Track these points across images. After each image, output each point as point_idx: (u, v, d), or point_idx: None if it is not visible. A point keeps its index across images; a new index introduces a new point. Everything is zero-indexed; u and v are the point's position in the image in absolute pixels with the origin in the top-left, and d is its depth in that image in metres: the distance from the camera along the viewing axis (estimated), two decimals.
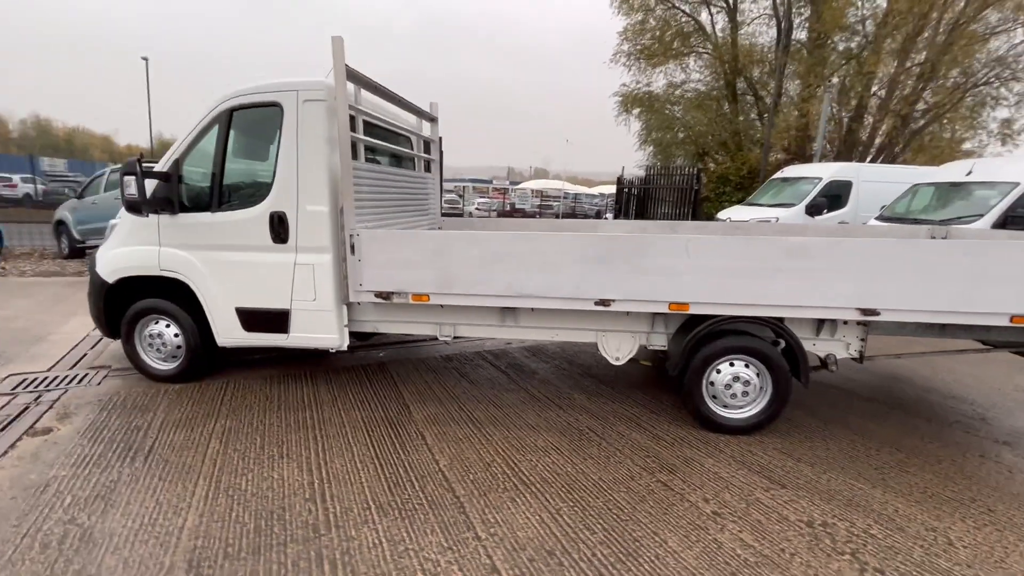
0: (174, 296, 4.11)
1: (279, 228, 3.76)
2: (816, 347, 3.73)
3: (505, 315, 3.94)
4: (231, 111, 3.81)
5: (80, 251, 10.66)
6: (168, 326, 4.18)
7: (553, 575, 2.22)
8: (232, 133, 3.83)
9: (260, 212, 3.79)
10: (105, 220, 9.70)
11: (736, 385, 3.58)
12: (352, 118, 3.64)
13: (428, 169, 5.60)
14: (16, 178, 24.34)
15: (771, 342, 3.57)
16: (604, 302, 3.51)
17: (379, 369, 4.79)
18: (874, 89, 17.88)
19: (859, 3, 17.91)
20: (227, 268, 3.91)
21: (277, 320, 3.91)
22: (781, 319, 3.52)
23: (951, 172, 10.04)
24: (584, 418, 3.84)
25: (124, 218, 4.12)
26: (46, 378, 4.28)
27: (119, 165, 10.48)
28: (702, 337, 3.54)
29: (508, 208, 30.50)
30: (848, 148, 17.84)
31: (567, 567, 2.28)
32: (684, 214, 14.64)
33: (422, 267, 3.64)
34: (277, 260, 3.82)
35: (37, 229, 12.73)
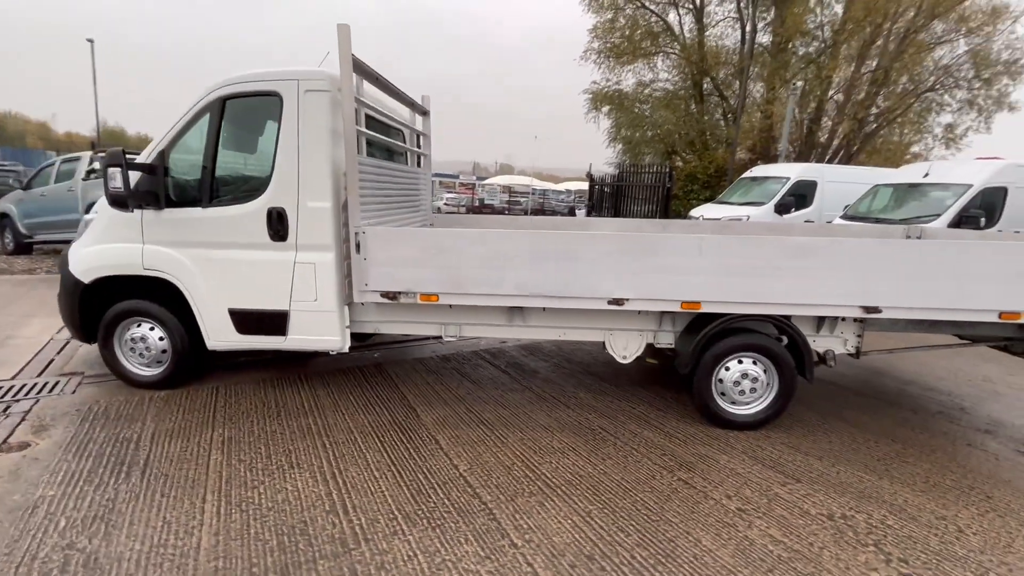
0: (158, 297, 3.84)
1: (278, 225, 3.57)
2: (816, 343, 3.84)
3: (513, 315, 3.88)
4: (224, 100, 3.57)
5: (27, 247, 9.89)
6: (152, 329, 3.91)
7: None
8: (225, 123, 3.60)
9: (257, 208, 3.58)
10: (56, 214, 9.05)
11: (744, 382, 3.65)
12: (355, 111, 3.49)
13: (419, 164, 5.46)
14: None
15: (774, 339, 3.65)
16: (617, 301, 3.50)
17: (377, 370, 4.64)
18: (832, 93, 18.71)
19: (817, 10, 18.67)
20: (219, 267, 3.68)
21: (274, 322, 3.72)
22: (789, 317, 3.60)
23: (909, 174, 10.60)
24: (594, 417, 3.83)
25: (102, 213, 3.82)
26: (12, 387, 3.93)
27: (71, 155, 9.80)
28: (713, 335, 3.58)
29: (477, 204, 30.25)
30: (808, 149, 18.60)
31: (609, 572, 2.25)
32: (656, 211, 14.89)
33: (431, 266, 3.53)
34: (275, 259, 3.62)
35: None
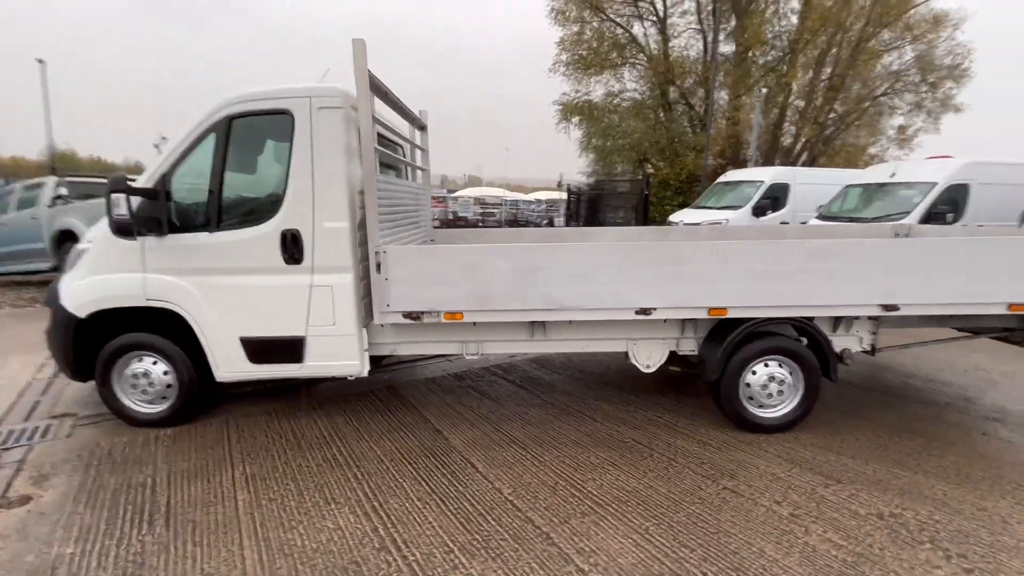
0: (161, 329, 3.62)
1: (292, 247, 3.41)
2: (833, 343, 3.91)
3: (535, 329, 3.82)
4: (230, 119, 3.41)
5: None
6: (155, 363, 3.67)
7: None
8: (232, 143, 3.44)
9: (269, 230, 3.42)
10: (18, 243, 8.52)
11: (772, 385, 3.68)
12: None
13: (419, 179, 5.37)
14: None
15: (795, 340, 3.70)
16: (645, 311, 3.49)
17: (390, 393, 4.48)
18: (792, 99, 19.50)
19: (774, 21, 19.50)
20: (230, 294, 3.49)
21: (290, 348, 3.55)
22: (811, 318, 3.66)
23: (877, 174, 11.08)
24: (624, 429, 3.79)
25: (97, 242, 3.58)
26: None
27: (33, 181, 9.25)
28: (739, 341, 3.60)
29: (451, 217, 30.10)
30: (773, 153, 19.29)
31: None
32: (634, 219, 15.13)
33: (455, 283, 3.44)
34: (290, 283, 3.46)
35: None
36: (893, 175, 10.46)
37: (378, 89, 3.63)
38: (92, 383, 3.73)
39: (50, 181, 8.40)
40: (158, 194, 3.41)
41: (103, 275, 3.53)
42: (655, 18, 20.51)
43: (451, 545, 2.48)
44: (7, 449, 3.41)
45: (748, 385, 3.70)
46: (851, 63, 18.11)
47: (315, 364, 3.59)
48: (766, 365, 3.68)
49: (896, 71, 18.76)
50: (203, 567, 2.32)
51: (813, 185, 12.40)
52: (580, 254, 3.41)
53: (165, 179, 3.43)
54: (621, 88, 21.53)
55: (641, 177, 15.99)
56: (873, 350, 3.94)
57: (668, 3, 20.15)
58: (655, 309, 3.49)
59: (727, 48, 19.30)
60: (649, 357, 3.90)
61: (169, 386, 3.70)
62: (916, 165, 10.81)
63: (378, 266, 3.38)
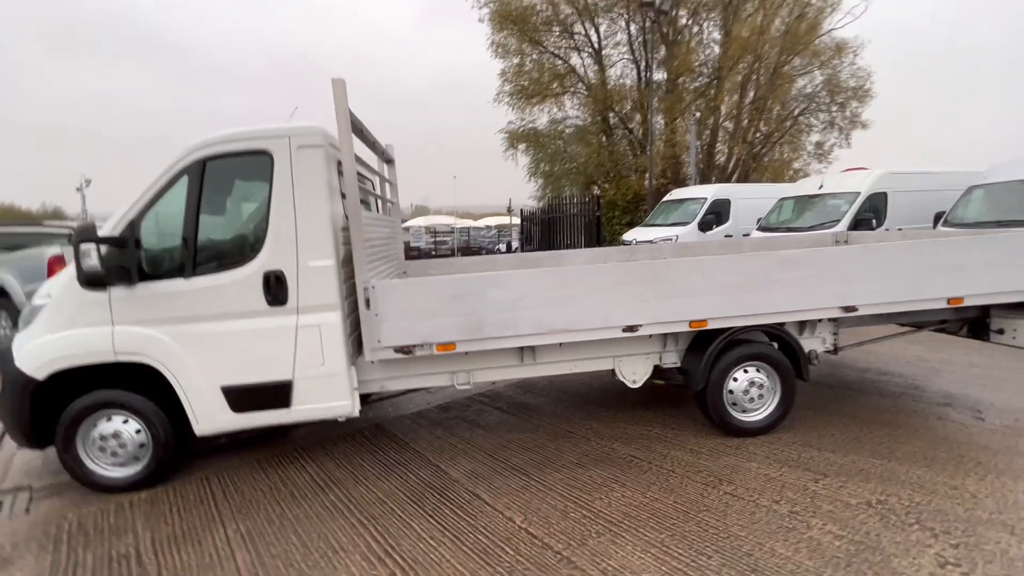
0: (131, 384, 3.39)
1: (276, 289, 3.32)
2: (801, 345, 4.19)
3: (524, 354, 3.87)
4: (204, 161, 3.32)
5: None
6: (126, 421, 3.41)
7: None
8: (207, 186, 3.33)
9: (251, 272, 3.31)
10: None
11: (752, 389, 3.88)
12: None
13: (389, 212, 5.36)
14: None
15: (768, 345, 3.95)
16: (631, 328, 3.62)
17: (378, 432, 4.36)
18: (722, 121, 20.93)
19: (699, 51, 20.99)
20: (209, 342, 3.33)
21: (276, 394, 3.41)
22: (782, 324, 3.91)
23: (806, 187, 12.01)
24: (619, 446, 3.86)
25: (55, 297, 3.33)
26: None
27: None
28: (720, 350, 3.79)
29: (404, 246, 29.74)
30: (709, 171, 20.52)
31: None
32: (588, 239, 15.58)
33: (446, 315, 3.44)
34: (275, 325, 3.35)
35: None
36: (821, 187, 11.38)
37: (354, 126, 3.65)
38: (43, 451, 3.42)
39: None
40: (127, 241, 3.23)
41: (64, 331, 3.28)
42: (591, 49, 21.58)
43: None
44: None
45: (731, 392, 3.88)
46: (771, 87, 19.73)
47: (304, 408, 3.46)
48: (745, 371, 3.89)
49: (809, 93, 20.60)
50: None
51: (751, 199, 13.27)
52: (569, 277, 3.52)
53: (134, 225, 3.27)
54: (564, 115, 22.39)
55: (590, 199, 16.52)
56: (836, 349, 4.25)
57: (602, 35, 21.31)
58: (641, 326, 3.62)
59: (660, 75, 20.53)
60: (635, 372, 4.02)
61: (142, 445, 3.44)
62: (841, 177, 11.80)
63: (367, 302, 3.34)
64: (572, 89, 22.00)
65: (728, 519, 2.86)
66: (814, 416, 4.25)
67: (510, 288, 3.47)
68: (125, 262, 3.22)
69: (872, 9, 22.54)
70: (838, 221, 10.19)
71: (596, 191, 21.30)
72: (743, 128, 20.37)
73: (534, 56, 21.64)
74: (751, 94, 20.34)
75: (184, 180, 3.31)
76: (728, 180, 20.11)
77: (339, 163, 3.78)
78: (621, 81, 21.75)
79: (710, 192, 13.45)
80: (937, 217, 9.30)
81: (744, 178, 20.24)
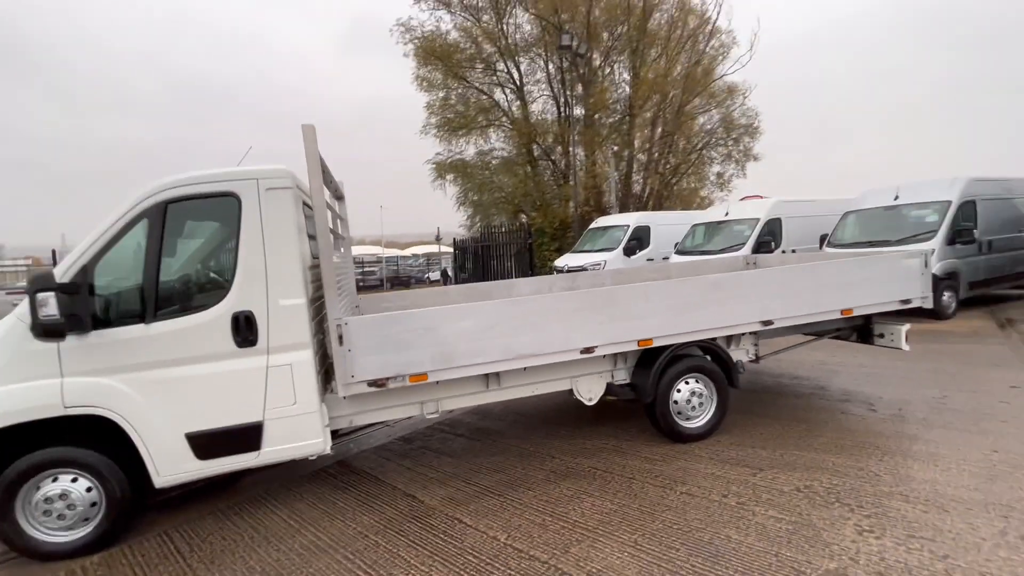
0: (80, 439, 3.19)
1: (246, 330, 3.31)
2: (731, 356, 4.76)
3: (489, 380, 4.08)
4: (165, 204, 3.27)
5: None
6: (75, 480, 3.18)
7: None
8: (168, 229, 3.28)
9: (218, 314, 3.29)
10: None
11: (694, 399, 4.36)
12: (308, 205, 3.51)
13: (341, 248, 5.41)
14: None
15: (703, 358, 4.46)
16: (589, 349, 3.96)
17: (343, 468, 4.33)
18: (636, 153, 22.66)
19: (611, 90, 22.73)
20: (172, 388, 3.23)
21: (246, 436, 3.36)
22: (714, 339, 4.44)
23: (715, 214, 13.34)
24: (581, 459, 4.15)
25: None
26: None
27: None
28: (665, 365, 4.24)
29: None
30: (627, 200, 22.04)
31: None
32: (522, 266, 16.11)
33: (418, 346, 3.60)
34: (244, 366, 3.33)
35: None
36: (727, 214, 12.71)
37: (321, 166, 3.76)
38: None
39: None
40: (79, 287, 3.09)
41: (4, 386, 3.04)
42: (513, 85, 22.66)
43: None
44: None
45: (676, 402, 4.33)
46: (676, 123, 21.78)
47: (275, 449, 3.43)
48: (687, 383, 4.36)
49: (709, 129, 22.96)
50: None
51: (668, 225, 14.49)
52: (535, 306, 3.82)
53: (87, 271, 3.14)
54: (491, 147, 23.17)
55: (520, 227, 17.18)
56: (758, 358, 4.87)
57: (523, 73, 22.48)
58: (597, 347, 3.98)
59: (579, 111, 21.94)
60: (591, 390, 4.36)
61: (94, 504, 3.22)
62: (742, 205, 13.27)
63: (340, 338, 3.42)
64: (497, 122, 22.91)
65: (687, 515, 3.21)
66: (744, 419, 4.81)
67: (480, 318, 3.70)
68: (78, 309, 3.07)
69: (758, 58, 25.66)
70: (743, 244, 11.44)
71: (524, 219, 22.13)
72: (655, 160, 22.22)
73: (459, 90, 22.34)
74: (659, 129, 22.28)
75: (144, 223, 3.25)
76: (645, 208, 21.72)
77: (305, 204, 3.87)
78: (543, 116, 23.00)
79: (632, 220, 14.52)
80: (822, 239, 10.78)
81: (659, 206, 21.95)
